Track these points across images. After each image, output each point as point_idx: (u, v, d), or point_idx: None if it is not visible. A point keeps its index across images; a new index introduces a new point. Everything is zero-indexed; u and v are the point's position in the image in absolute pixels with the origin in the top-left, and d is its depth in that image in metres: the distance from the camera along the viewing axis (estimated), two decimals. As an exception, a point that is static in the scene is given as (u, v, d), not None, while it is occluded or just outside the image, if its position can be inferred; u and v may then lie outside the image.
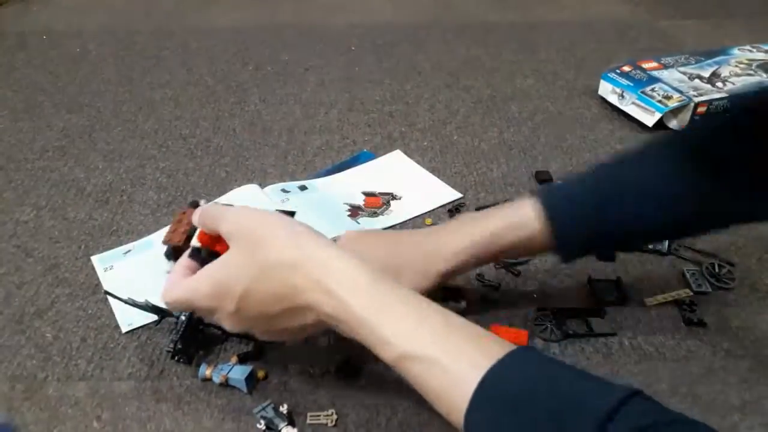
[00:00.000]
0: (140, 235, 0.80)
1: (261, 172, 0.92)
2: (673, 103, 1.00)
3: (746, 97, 0.62)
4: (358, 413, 0.57)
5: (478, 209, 0.83)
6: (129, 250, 0.77)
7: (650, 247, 0.75)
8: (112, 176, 0.92)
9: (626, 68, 1.11)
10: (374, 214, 0.83)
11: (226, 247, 0.50)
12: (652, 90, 1.04)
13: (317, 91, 1.17)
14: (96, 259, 0.76)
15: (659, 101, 1.01)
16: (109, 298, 0.69)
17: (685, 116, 1.00)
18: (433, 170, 0.92)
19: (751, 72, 1.10)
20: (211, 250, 0.53)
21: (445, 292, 0.67)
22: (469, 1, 1.63)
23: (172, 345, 0.61)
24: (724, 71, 1.10)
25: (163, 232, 0.80)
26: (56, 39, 1.40)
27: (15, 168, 0.94)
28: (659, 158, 0.58)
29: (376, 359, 0.44)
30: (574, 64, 1.26)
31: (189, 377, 0.61)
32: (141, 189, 0.89)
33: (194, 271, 0.52)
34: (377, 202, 0.85)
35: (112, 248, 0.78)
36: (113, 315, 0.68)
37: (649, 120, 1.01)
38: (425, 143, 0.99)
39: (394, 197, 0.86)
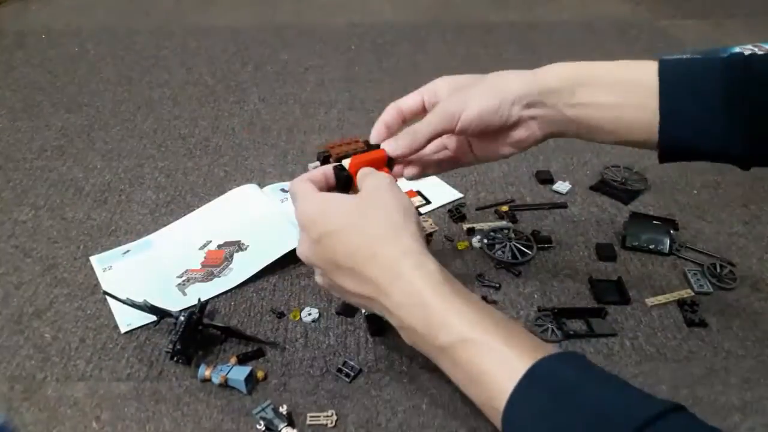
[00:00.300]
0: (139, 235, 0.80)
1: (260, 172, 0.92)
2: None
3: None
4: (357, 414, 0.57)
5: (478, 209, 0.83)
6: (128, 251, 0.77)
7: (651, 247, 0.75)
8: (111, 176, 0.92)
9: (627, 68, 1.11)
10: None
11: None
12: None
13: (317, 90, 1.16)
14: (95, 260, 0.76)
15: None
16: (108, 299, 0.68)
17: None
18: (433, 170, 0.92)
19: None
20: (348, 178, 0.55)
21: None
22: (469, 1, 1.63)
23: (171, 345, 0.60)
24: (725, 71, 1.09)
25: (162, 231, 0.80)
26: (55, 38, 1.40)
27: (13, 168, 0.94)
28: None
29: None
30: (575, 64, 1.26)
31: (188, 378, 0.60)
32: (140, 189, 0.89)
33: (323, 187, 0.55)
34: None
35: (111, 248, 0.77)
36: (112, 315, 0.67)
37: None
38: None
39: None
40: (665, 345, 0.64)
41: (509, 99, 0.54)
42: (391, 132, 0.59)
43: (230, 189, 0.87)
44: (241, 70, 1.25)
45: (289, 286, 0.71)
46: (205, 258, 0.75)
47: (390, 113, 0.60)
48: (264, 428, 0.55)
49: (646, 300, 0.69)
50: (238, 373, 0.58)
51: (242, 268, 0.73)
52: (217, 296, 0.70)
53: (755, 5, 1.60)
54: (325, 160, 0.57)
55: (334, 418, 0.56)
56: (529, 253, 0.74)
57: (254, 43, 1.36)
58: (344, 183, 0.55)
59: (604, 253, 0.75)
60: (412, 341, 0.48)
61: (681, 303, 0.68)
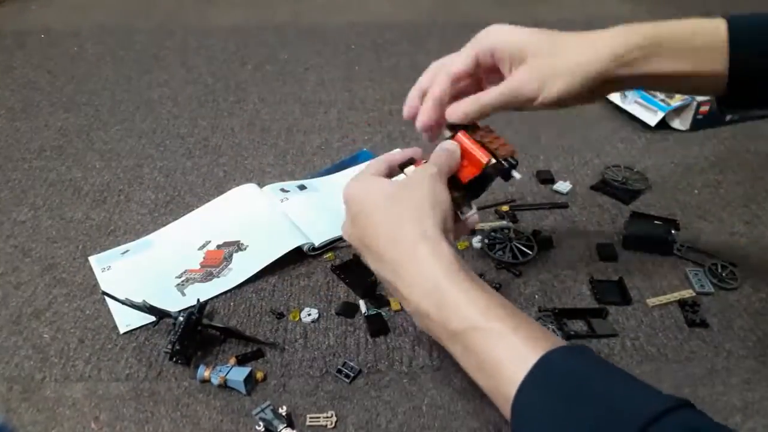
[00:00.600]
0: (138, 235, 0.80)
1: (260, 172, 0.92)
2: (675, 102, 0.99)
3: None
4: (357, 415, 0.57)
5: (478, 209, 0.83)
6: (127, 251, 0.77)
7: (652, 247, 0.75)
8: (110, 176, 0.92)
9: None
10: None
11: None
12: (654, 89, 1.04)
13: (316, 90, 1.16)
14: (93, 260, 0.75)
15: (662, 100, 1.00)
16: (107, 299, 0.68)
17: (688, 115, 1.00)
18: (433, 170, 0.91)
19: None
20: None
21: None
22: (469, 1, 1.63)
23: (170, 346, 0.60)
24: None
25: (161, 232, 0.80)
26: (54, 38, 1.40)
27: (12, 167, 0.94)
28: None
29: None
30: (575, 64, 1.25)
31: (187, 378, 0.60)
32: (139, 189, 0.89)
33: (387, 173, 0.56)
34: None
35: (110, 248, 0.77)
36: (111, 316, 0.67)
37: (652, 119, 1.01)
38: (425, 142, 0.98)
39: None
40: (666, 345, 0.63)
41: (590, 80, 0.53)
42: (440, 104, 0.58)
43: (230, 189, 0.86)
44: (240, 70, 1.24)
45: (288, 287, 0.71)
46: (204, 258, 0.75)
47: (441, 85, 0.57)
48: (263, 429, 0.55)
49: (647, 300, 0.68)
50: (238, 374, 0.58)
51: (242, 268, 0.73)
52: (217, 297, 0.70)
53: (756, 5, 1.59)
54: (452, 128, 0.57)
55: (334, 419, 0.56)
56: (530, 253, 0.74)
57: (254, 43, 1.36)
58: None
59: (605, 253, 0.75)
60: (425, 326, 0.48)
61: (682, 303, 0.68)
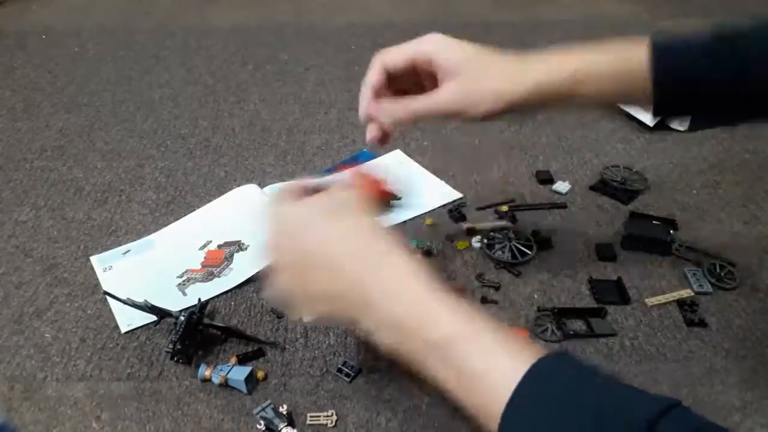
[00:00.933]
0: (139, 235, 0.80)
1: (260, 172, 0.92)
2: (673, 103, 0.99)
3: None
4: (357, 414, 0.57)
5: (478, 209, 0.83)
6: (128, 250, 0.77)
7: (651, 247, 0.75)
8: (111, 176, 0.92)
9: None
10: (374, 214, 0.82)
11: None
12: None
13: (317, 90, 1.16)
14: (95, 260, 0.76)
15: (660, 101, 1.00)
16: (108, 299, 0.68)
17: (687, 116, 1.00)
18: (433, 170, 0.91)
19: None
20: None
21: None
22: (469, 1, 1.63)
23: (171, 345, 0.60)
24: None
25: (163, 232, 0.80)
26: (55, 38, 1.40)
27: (14, 168, 0.94)
28: None
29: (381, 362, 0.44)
30: (575, 64, 1.26)
31: (188, 378, 0.60)
32: (140, 189, 0.89)
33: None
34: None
35: (111, 248, 0.78)
36: (112, 315, 0.68)
37: (651, 119, 1.01)
38: (425, 143, 0.99)
39: (394, 197, 0.85)
40: (665, 345, 0.64)
41: (514, 105, 0.55)
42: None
43: (230, 189, 0.87)
44: (241, 70, 1.25)
45: (289, 286, 0.71)
46: (205, 258, 0.75)
47: (377, 77, 0.61)
48: (264, 428, 0.55)
49: (646, 300, 0.69)
50: (238, 373, 0.58)
51: (242, 268, 0.73)
52: (217, 296, 0.70)
53: (756, 4, 1.59)
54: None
55: (334, 418, 0.56)
56: (529, 253, 0.74)
57: (254, 43, 1.36)
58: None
59: (604, 253, 0.75)
60: (394, 340, 0.44)
61: (681, 303, 0.68)
